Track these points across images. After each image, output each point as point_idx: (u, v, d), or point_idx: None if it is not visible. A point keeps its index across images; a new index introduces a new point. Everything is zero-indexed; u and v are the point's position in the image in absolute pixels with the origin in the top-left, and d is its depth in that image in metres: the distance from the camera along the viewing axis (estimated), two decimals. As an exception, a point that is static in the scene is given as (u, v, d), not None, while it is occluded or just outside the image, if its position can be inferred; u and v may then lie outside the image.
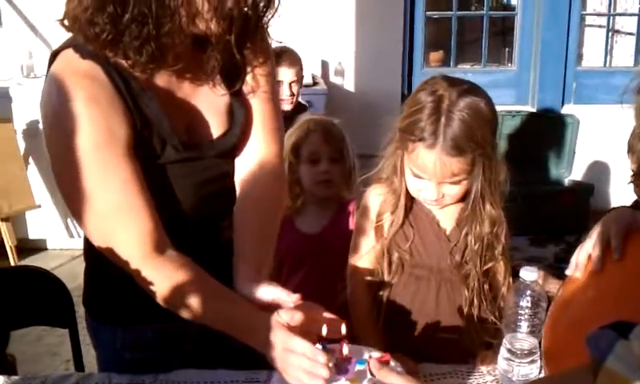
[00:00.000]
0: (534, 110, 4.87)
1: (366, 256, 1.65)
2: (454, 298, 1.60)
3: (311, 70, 4.45)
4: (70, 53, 1.24)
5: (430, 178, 1.50)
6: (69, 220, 4.18)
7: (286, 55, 3.30)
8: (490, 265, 1.60)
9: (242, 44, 1.26)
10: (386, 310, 1.64)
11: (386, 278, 1.62)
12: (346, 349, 1.22)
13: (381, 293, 1.65)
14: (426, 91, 1.49)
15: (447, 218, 1.61)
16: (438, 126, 1.45)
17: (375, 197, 1.64)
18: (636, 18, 5.07)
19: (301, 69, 3.43)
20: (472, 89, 1.51)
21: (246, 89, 1.40)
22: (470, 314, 1.59)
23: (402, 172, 1.56)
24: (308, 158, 2.10)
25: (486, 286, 1.62)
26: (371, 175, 1.65)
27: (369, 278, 1.64)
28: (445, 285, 1.60)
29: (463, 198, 1.57)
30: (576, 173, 4.90)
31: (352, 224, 2.05)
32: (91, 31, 1.18)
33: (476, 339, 1.59)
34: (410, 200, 1.60)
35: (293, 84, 3.31)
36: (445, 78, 1.52)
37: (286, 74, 3.27)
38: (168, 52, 1.22)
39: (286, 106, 3.25)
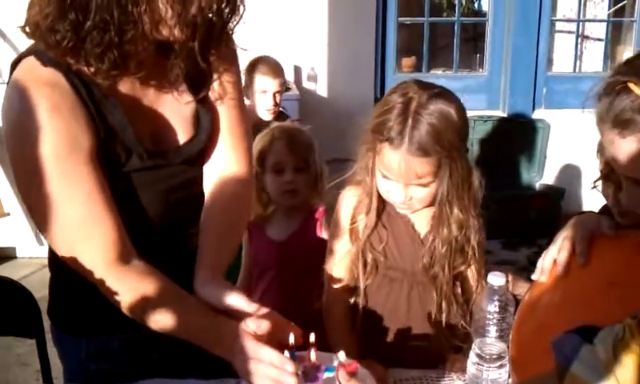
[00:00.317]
0: (505, 115, 4.92)
1: (341, 261, 1.64)
2: (425, 302, 1.61)
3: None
4: (31, 60, 1.22)
5: (396, 179, 1.51)
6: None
7: (270, 66, 3.29)
8: (461, 269, 1.61)
9: (206, 50, 1.25)
10: (361, 315, 1.64)
11: (361, 279, 1.62)
12: (314, 356, 1.22)
13: (356, 298, 1.65)
14: (397, 93, 1.51)
15: (422, 222, 1.61)
16: (404, 127, 1.45)
17: (349, 199, 1.64)
18: (605, 24, 5.15)
19: (284, 79, 3.42)
20: (443, 93, 1.51)
21: (212, 95, 1.39)
22: (439, 317, 1.59)
23: (373, 173, 1.56)
24: (272, 168, 2.07)
25: (458, 290, 1.62)
26: (345, 178, 1.65)
27: (344, 282, 1.64)
28: (417, 287, 1.61)
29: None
30: (547, 177, 4.95)
31: (319, 231, 2.06)
32: (52, 38, 1.16)
33: (445, 344, 1.59)
34: (384, 201, 1.60)
35: (277, 94, 3.29)
36: (417, 82, 1.54)
37: (270, 84, 3.26)
38: (131, 59, 1.21)
39: (268, 117, 3.24)
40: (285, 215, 2.11)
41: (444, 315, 1.58)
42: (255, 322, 1.21)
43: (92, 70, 1.20)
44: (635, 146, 1.08)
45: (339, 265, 1.65)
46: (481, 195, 1.58)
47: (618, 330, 0.87)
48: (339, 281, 1.65)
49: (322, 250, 1.72)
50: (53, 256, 1.37)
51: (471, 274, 1.63)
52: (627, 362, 0.84)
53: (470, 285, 1.64)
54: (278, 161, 2.06)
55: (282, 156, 2.06)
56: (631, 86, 1.07)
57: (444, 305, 1.58)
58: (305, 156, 2.08)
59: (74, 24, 1.14)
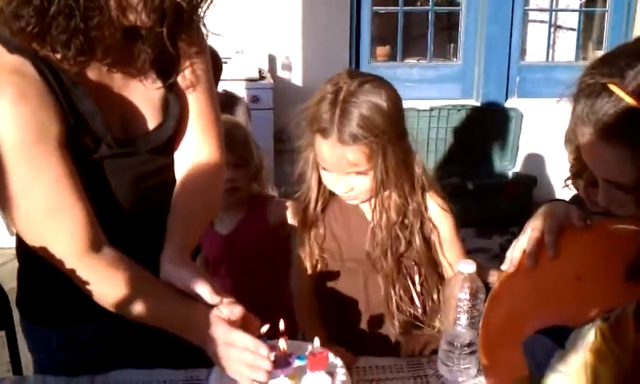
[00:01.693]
0: (479, 104, 4.94)
1: (304, 253, 1.66)
2: (380, 290, 1.60)
3: (258, 64, 4.43)
4: None
5: (332, 170, 1.52)
6: (9, 218, 4.06)
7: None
8: (404, 256, 1.59)
9: (175, 36, 1.24)
10: (326, 303, 1.66)
11: (322, 271, 1.64)
12: (284, 344, 1.22)
13: (321, 287, 1.66)
14: (329, 84, 1.51)
15: (370, 211, 1.61)
16: (333, 116, 1.46)
17: (300, 194, 1.65)
18: (577, 13, 5.19)
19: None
20: (373, 81, 1.52)
21: (181, 82, 1.38)
22: (390, 305, 1.59)
23: (314, 167, 1.57)
24: None
25: (416, 277, 1.61)
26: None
27: (307, 273, 1.66)
28: (371, 276, 1.61)
29: None
30: (520, 165, 4.99)
31: (264, 220, 2.08)
32: (16, 24, 1.13)
33: (395, 332, 1.59)
34: (332, 193, 1.60)
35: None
36: (349, 71, 1.55)
37: None
38: (97, 45, 1.19)
39: None
40: (229, 209, 2.10)
41: (394, 303, 1.58)
42: (228, 307, 1.20)
43: (58, 56, 1.18)
44: (620, 152, 1.04)
45: (302, 256, 1.67)
46: (425, 181, 1.57)
47: (589, 332, 0.86)
48: (303, 271, 1.67)
49: (268, 239, 1.71)
50: (21, 245, 1.35)
51: (447, 262, 1.61)
52: (600, 369, 0.83)
53: (445, 272, 1.62)
54: None
55: None
56: (613, 88, 1.03)
57: (392, 292, 1.58)
58: (242, 152, 2.07)
59: (39, 9, 1.12)
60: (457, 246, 1.62)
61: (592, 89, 1.06)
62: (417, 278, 1.61)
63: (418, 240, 1.57)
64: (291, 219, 1.95)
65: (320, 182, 1.59)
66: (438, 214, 1.59)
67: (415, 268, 1.61)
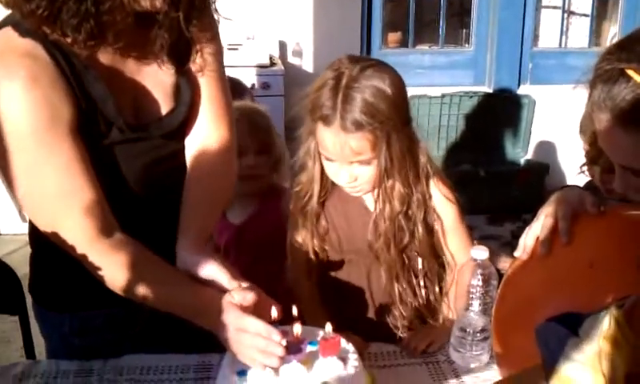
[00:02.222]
0: (491, 91, 4.91)
1: (301, 241, 1.63)
2: (382, 281, 1.58)
3: (269, 50, 4.42)
4: (8, 31, 1.19)
5: (336, 159, 1.48)
6: (21, 204, 4.08)
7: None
8: (410, 246, 1.56)
9: (189, 21, 1.23)
10: (328, 295, 1.64)
11: (323, 263, 1.62)
12: (299, 329, 1.22)
13: (322, 278, 1.64)
14: (330, 70, 1.47)
15: (372, 201, 1.57)
16: (335, 103, 1.42)
17: (298, 184, 1.61)
18: (590, -1, 5.15)
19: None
20: (375, 66, 1.47)
21: (193, 67, 1.37)
22: (393, 295, 1.56)
23: (315, 157, 1.53)
24: None
25: (419, 267, 1.59)
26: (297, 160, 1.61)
27: (304, 265, 1.64)
28: (374, 266, 1.58)
29: None
30: (532, 152, 4.96)
31: (277, 212, 1.99)
32: (27, 7, 1.13)
33: (399, 323, 1.56)
34: (333, 183, 1.57)
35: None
36: (350, 56, 1.49)
37: None
38: (108, 30, 1.18)
39: None
40: (243, 198, 2.05)
41: (397, 294, 1.55)
42: (240, 293, 1.20)
43: (69, 40, 1.17)
44: (637, 138, 1.04)
45: (298, 244, 1.63)
46: (430, 170, 1.53)
47: (603, 319, 0.85)
48: (300, 260, 1.64)
49: (280, 231, 1.70)
50: (33, 231, 1.36)
51: (449, 252, 1.59)
52: (614, 356, 0.83)
53: (448, 261, 1.60)
54: (238, 144, 2.01)
55: (242, 138, 1.94)
56: (631, 73, 1.02)
57: (395, 284, 1.55)
58: (264, 139, 2.03)
59: None
60: (460, 234, 1.59)
61: (609, 74, 1.05)
62: (420, 268, 1.58)
63: (421, 230, 1.54)
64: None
65: (322, 173, 1.55)
66: (442, 202, 1.55)
67: (419, 259, 1.58)
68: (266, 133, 2.04)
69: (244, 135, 1.96)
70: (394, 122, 1.44)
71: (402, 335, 1.54)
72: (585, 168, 1.26)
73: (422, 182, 1.53)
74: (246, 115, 2.00)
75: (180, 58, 1.34)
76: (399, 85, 1.47)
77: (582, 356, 0.84)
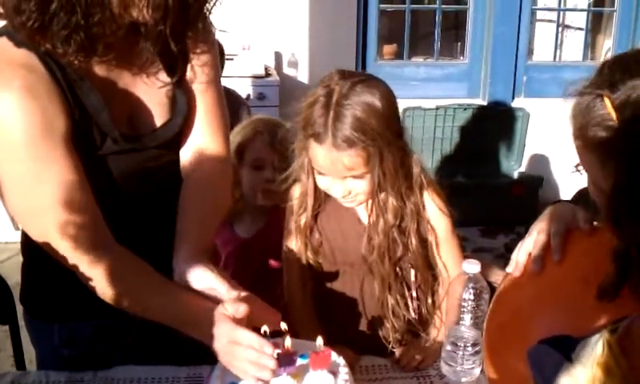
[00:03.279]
0: (485, 103, 4.92)
1: (295, 253, 1.63)
2: (375, 293, 1.58)
3: (264, 61, 4.43)
4: (3, 41, 1.19)
5: (328, 174, 1.48)
6: (14, 212, 4.06)
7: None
8: (402, 260, 1.56)
9: (180, 33, 1.23)
10: (322, 308, 1.63)
11: (317, 276, 1.62)
12: (289, 342, 1.21)
13: (316, 291, 1.64)
14: (321, 86, 1.47)
15: (366, 213, 1.58)
16: (326, 120, 1.42)
17: (293, 198, 1.62)
18: (585, 13, 5.17)
19: None
20: (366, 81, 1.47)
21: (189, 77, 1.37)
22: (386, 308, 1.56)
23: (308, 172, 1.54)
24: (252, 164, 1.97)
25: (412, 279, 1.59)
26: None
27: (298, 275, 1.64)
28: (367, 278, 1.58)
29: None
30: (526, 165, 4.97)
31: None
32: (17, 19, 1.13)
33: (392, 335, 1.56)
34: (326, 195, 1.57)
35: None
36: (339, 71, 1.49)
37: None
38: (98, 42, 1.18)
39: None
40: (254, 212, 2.02)
41: (390, 305, 1.55)
42: (233, 305, 1.20)
43: (60, 52, 1.17)
44: (592, 158, 1.05)
45: (292, 255, 1.63)
46: (423, 181, 1.54)
47: (596, 344, 0.85)
48: (294, 271, 1.64)
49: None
50: (26, 240, 1.36)
51: (441, 262, 1.58)
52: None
53: (442, 274, 1.60)
54: (258, 157, 1.97)
55: (263, 152, 1.96)
56: (605, 99, 1.02)
57: (388, 296, 1.55)
58: (285, 153, 1.91)
59: (40, 4, 1.11)
60: (452, 246, 1.59)
61: (588, 92, 1.06)
62: (412, 281, 1.58)
63: (414, 242, 1.54)
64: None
65: (315, 187, 1.55)
66: (436, 214, 1.56)
67: (412, 271, 1.58)
68: (287, 148, 1.99)
69: (265, 148, 1.95)
70: (385, 137, 1.44)
71: (393, 349, 1.54)
72: (580, 167, 1.26)
73: (416, 192, 1.54)
74: (269, 128, 1.97)
75: (173, 69, 1.33)
76: (390, 98, 1.47)
77: (575, 383, 0.84)
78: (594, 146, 1.04)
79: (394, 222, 1.52)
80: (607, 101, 1.00)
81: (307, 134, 1.47)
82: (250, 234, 2.04)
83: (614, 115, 0.99)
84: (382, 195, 1.50)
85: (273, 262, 1.94)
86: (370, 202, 1.53)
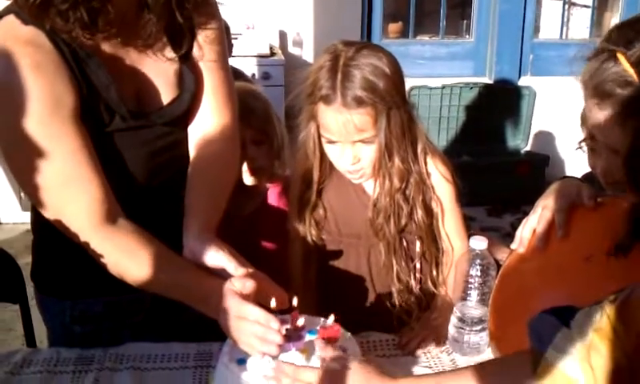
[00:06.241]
0: (491, 82, 4.90)
1: (299, 229, 1.63)
2: (380, 264, 1.59)
3: (269, 40, 4.41)
4: (11, 19, 1.19)
5: (339, 139, 1.48)
6: (22, 193, 4.07)
7: None
8: (405, 230, 1.57)
9: (182, 5, 1.23)
10: (328, 282, 1.64)
11: (321, 249, 1.63)
12: (302, 320, 1.22)
13: (321, 265, 1.65)
14: (325, 53, 1.49)
15: (371, 185, 1.58)
16: (335, 82, 1.43)
17: (297, 171, 1.63)
18: (591, -10, 5.13)
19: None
20: (370, 46, 1.51)
21: (195, 54, 1.37)
22: (391, 275, 1.57)
23: (315, 144, 1.54)
24: None
25: (417, 249, 1.59)
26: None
27: (302, 251, 1.64)
28: (374, 250, 1.59)
29: None
30: (532, 144, 4.96)
31: (279, 201, 1.91)
32: None
33: (397, 303, 1.57)
34: (332, 171, 1.58)
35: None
36: (344, 40, 1.51)
37: None
38: (99, 17, 1.17)
39: None
40: (247, 192, 1.86)
41: (395, 271, 1.56)
42: (240, 281, 1.21)
43: (63, 28, 1.16)
44: (610, 116, 1.06)
45: (297, 231, 1.64)
46: (428, 146, 1.55)
47: (595, 313, 0.85)
48: (298, 247, 1.65)
49: (282, 224, 1.66)
50: (37, 218, 1.36)
51: (445, 232, 1.59)
52: (602, 349, 0.83)
53: (444, 245, 1.60)
54: None
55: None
56: (619, 56, 1.03)
57: (393, 261, 1.56)
58: (263, 126, 1.83)
59: None
60: (455, 217, 1.60)
61: (599, 54, 1.07)
62: (417, 251, 1.59)
63: (420, 212, 1.55)
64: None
65: (321, 159, 1.56)
66: (440, 181, 1.56)
67: (417, 242, 1.59)
68: (264, 119, 1.85)
69: (240, 126, 1.79)
70: (393, 98, 1.46)
71: (402, 319, 1.55)
72: (584, 144, 1.26)
73: (421, 161, 1.55)
74: (240, 101, 1.61)
75: (179, 44, 1.33)
76: (395, 64, 1.49)
77: (571, 348, 0.84)
78: (612, 104, 1.05)
79: (400, 185, 1.53)
80: (623, 58, 1.01)
81: (315, 99, 1.47)
82: (244, 213, 1.91)
83: (632, 71, 0.99)
84: (388, 156, 1.51)
85: (267, 244, 1.90)
86: (376, 169, 1.53)
